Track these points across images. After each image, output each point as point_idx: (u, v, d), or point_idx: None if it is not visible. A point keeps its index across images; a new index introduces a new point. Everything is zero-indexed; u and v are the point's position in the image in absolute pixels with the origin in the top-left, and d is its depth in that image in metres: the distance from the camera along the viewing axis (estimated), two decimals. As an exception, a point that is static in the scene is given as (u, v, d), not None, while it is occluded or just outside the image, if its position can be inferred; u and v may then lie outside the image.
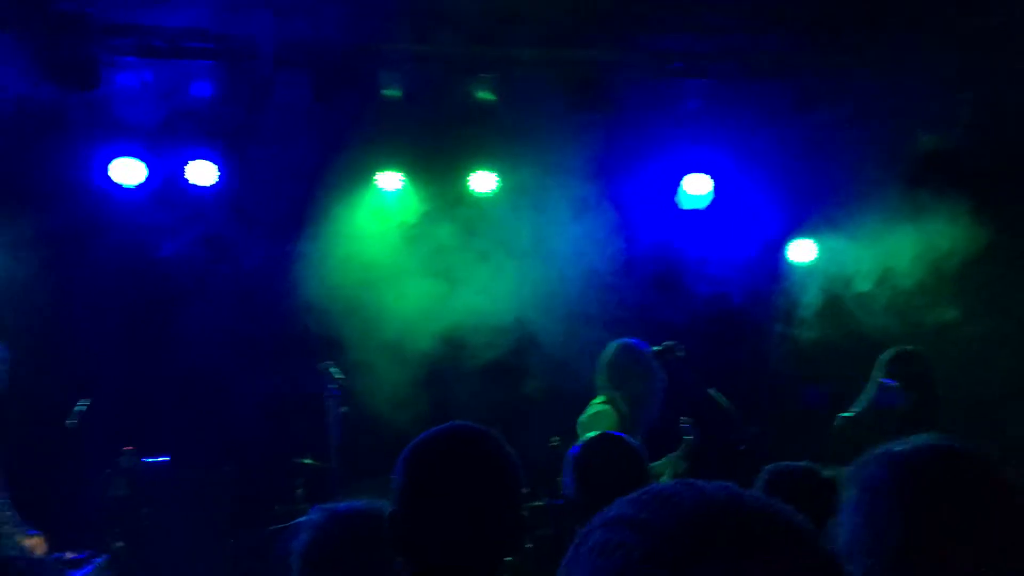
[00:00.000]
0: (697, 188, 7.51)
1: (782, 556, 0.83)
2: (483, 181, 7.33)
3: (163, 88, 6.55)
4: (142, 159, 6.88)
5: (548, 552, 6.18)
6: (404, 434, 5.72)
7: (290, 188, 6.93)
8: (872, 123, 6.58)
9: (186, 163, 6.95)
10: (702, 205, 7.55)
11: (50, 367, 6.57)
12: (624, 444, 2.95)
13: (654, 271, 7.50)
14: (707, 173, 7.47)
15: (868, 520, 1.59)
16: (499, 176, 7.31)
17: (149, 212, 7.01)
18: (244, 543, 6.30)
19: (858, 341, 6.47)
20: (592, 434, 2.99)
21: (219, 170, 6.99)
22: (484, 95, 6.79)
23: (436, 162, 7.23)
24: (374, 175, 7.25)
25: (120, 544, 5.61)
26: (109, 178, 6.82)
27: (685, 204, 7.57)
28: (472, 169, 7.32)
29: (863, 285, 6.93)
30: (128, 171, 6.84)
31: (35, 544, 4.82)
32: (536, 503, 6.60)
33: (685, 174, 7.50)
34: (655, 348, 5.43)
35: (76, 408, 5.77)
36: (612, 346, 5.10)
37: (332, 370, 5.55)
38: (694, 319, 7.15)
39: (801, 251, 7.62)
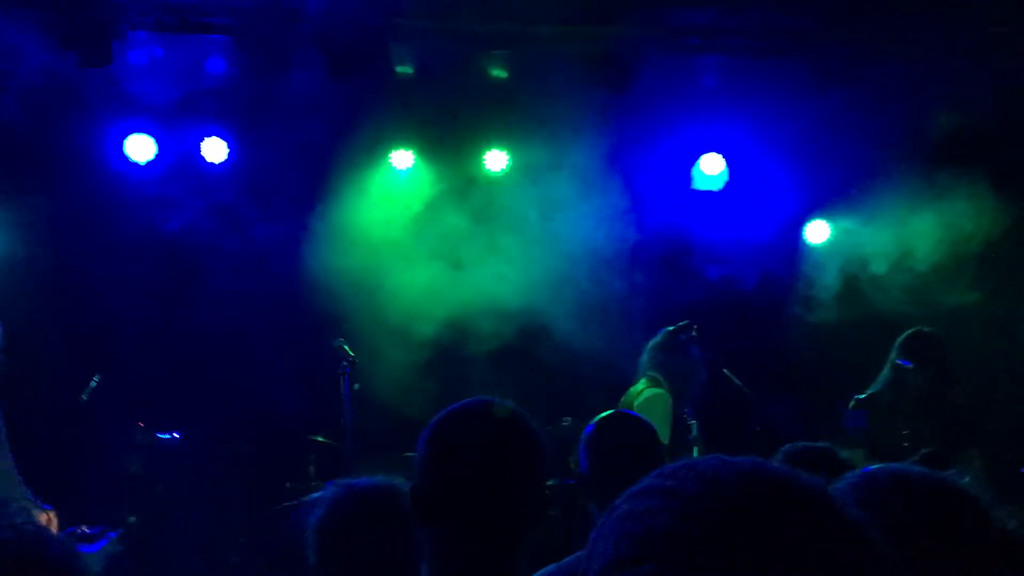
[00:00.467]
0: (712, 168, 7.44)
1: (809, 520, 0.82)
2: (496, 160, 7.29)
3: (176, 64, 6.53)
4: (154, 135, 6.87)
5: (557, 532, 6.19)
6: (413, 413, 5.76)
7: (302, 165, 6.92)
8: (891, 102, 6.49)
9: (198, 140, 6.95)
10: (717, 186, 7.49)
11: (63, 342, 6.59)
12: (638, 422, 2.94)
13: (668, 252, 7.46)
14: (723, 153, 7.40)
15: None
16: (511, 155, 7.26)
17: (161, 188, 7.01)
18: (256, 519, 6.33)
19: (875, 322, 6.42)
20: (606, 413, 2.97)
21: (230, 147, 6.97)
22: (497, 72, 6.74)
23: (448, 140, 7.19)
24: (386, 153, 7.22)
25: (133, 519, 5.64)
26: (122, 154, 6.82)
27: (700, 184, 7.51)
28: (485, 148, 7.28)
29: (881, 266, 6.87)
30: (140, 147, 6.84)
31: (48, 518, 4.84)
32: (548, 482, 6.60)
33: (701, 154, 7.43)
34: (668, 329, 5.41)
35: (89, 384, 5.79)
36: (660, 333, 5.17)
37: (345, 347, 5.55)
38: (708, 300, 7.11)
39: (818, 232, 7.56)
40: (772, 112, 6.98)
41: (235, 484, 6.69)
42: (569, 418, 6.65)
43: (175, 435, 6.31)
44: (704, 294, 7.18)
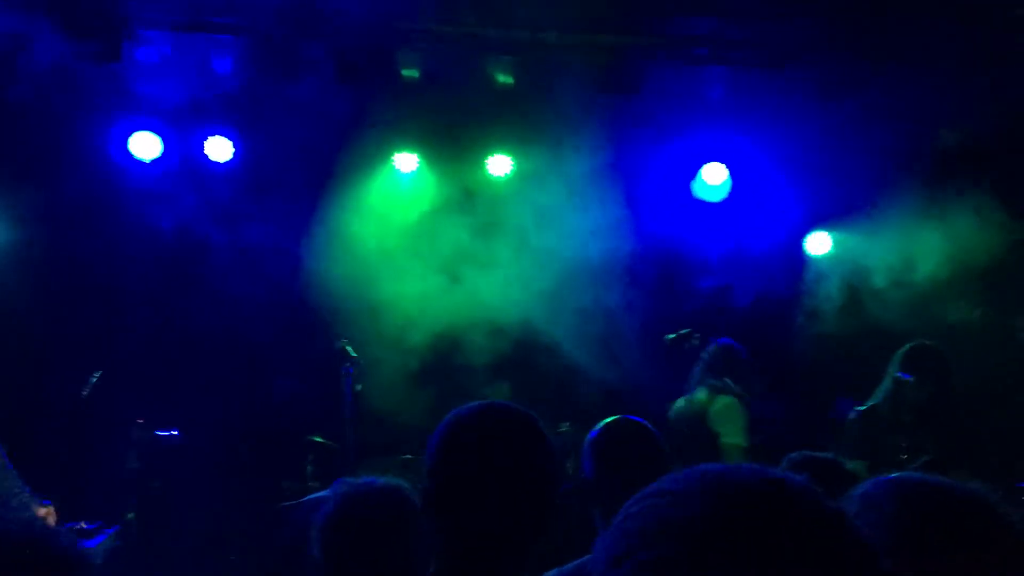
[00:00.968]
0: (715, 178, 7.46)
1: (807, 519, 0.86)
2: (499, 165, 7.30)
3: (183, 63, 6.54)
4: (159, 133, 6.89)
5: (555, 536, 6.19)
6: (410, 418, 5.75)
7: (306, 166, 6.93)
8: (896, 115, 6.50)
9: (203, 138, 6.96)
10: (720, 196, 7.50)
11: (64, 337, 6.60)
12: (643, 428, 2.95)
13: (669, 261, 7.47)
14: (727, 163, 7.42)
15: None
16: (515, 160, 7.28)
17: (166, 186, 7.02)
18: (253, 517, 6.33)
19: (876, 334, 6.43)
20: (611, 418, 2.98)
21: (235, 147, 6.99)
22: (504, 78, 6.76)
23: (453, 145, 7.21)
24: (390, 156, 7.23)
25: (131, 515, 5.64)
26: (126, 151, 6.84)
27: (703, 194, 7.52)
28: (489, 152, 7.29)
29: (882, 279, 6.88)
30: (146, 145, 6.85)
31: (46, 513, 4.84)
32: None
33: (704, 164, 7.44)
34: (670, 336, 5.42)
35: (89, 380, 5.79)
36: (715, 345, 5.43)
37: (348, 348, 5.56)
38: (709, 310, 7.12)
39: (819, 243, 7.57)
40: (776, 123, 6.99)
41: (233, 482, 6.70)
42: (567, 424, 6.66)
43: (173, 432, 6.31)
44: (704, 304, 7.19)
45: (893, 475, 1.65)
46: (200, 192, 7.07)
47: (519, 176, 7.28)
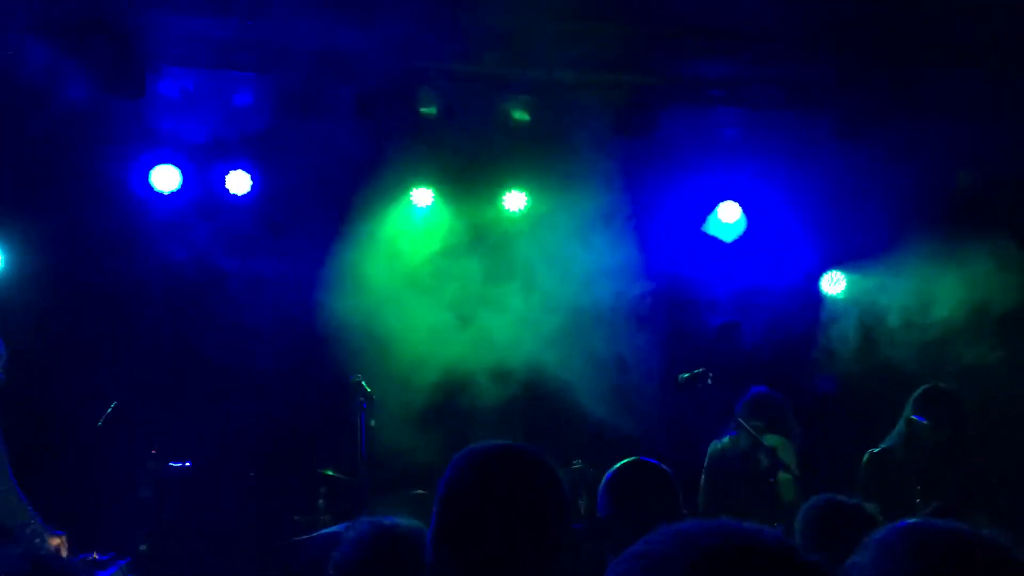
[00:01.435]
0: (730, 217, 7.48)
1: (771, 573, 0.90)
2: (515, 201, 7.35)
3: (205, 97, 6.64)
4: (179, 166, 6.97)
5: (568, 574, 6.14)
6: (421, 453, 5.74)
7: (324, 200, 6.99)
8: (913, 157, 6.52)
9: (223, 172, 7.04)
10: (735, 235, 7.52)
11: (80, 368, 6.64)
12: (658, 469, 2.99)
13: (683, 299, 7.48)
14: (742, 202, 7.44)
15: None
16: (530, 197, 7.32)
17: (184, 218, 7.09)
18: (265, 549, 6.31)
19: (891, 375, 6.40)
20: (626, 460, 3.03)
21: (253, 180, 7.07)
22: (520, 115, 6.83)
23: (469, 180, 7.26)
24: (407, 192, 7.29)
25: (144, 547, 5.64)
26: (147, 183, 6.92)
27: (717, 233, 7.54)
28: (504, 189, 7.34)
29: (898, 320, 6.86)
30: (165, 178, 6.93)
31: (59, 544, 4.86)
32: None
33: (719, 203, 7.47)
34: (683, 376, 5.42)
35: (106, 411, 5.83)
36: (754, 392, 5.84)
37: (362, 383, 5.57)
38: (722, 349, 7.12)
39: (834, 283, 7.56)
40: (792, 164, 7.02)
41: (245, 514, 6.69)
42: (579, 461, 6.64)
43: (186, 464, 6.32)
44: (713, 341, 7.19)
45: (908, 522, 1.65)
46: (218, 225, 7.14)
47: (534, 213, 7.32)
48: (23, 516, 4.86)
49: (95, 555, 5.00)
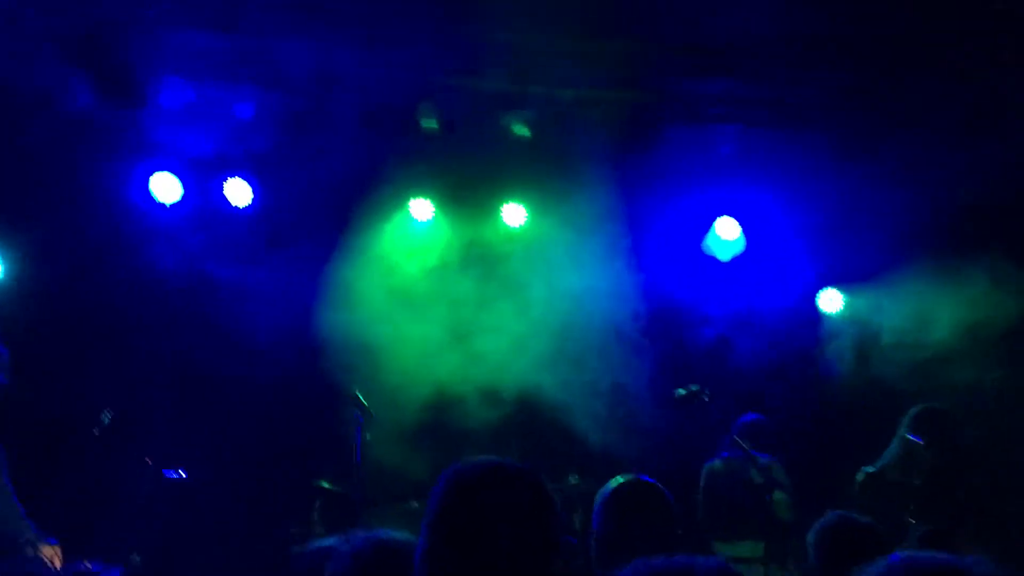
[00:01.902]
0: (728, 233, 7.49)
1: None
2: (514, 214, 7.37)
3: (206, 110, 6.67)
4: (179, 176, 6.98)
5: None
6: (417, 466, 5.73)
7: (324, 213, 7.01)
8: (910, 176, 6.55)
9: (222, 183, 7.05)
10: (733, 252, 7.53)
11: (76, 377, 6.64)
12: (654, 488, 3.01)
13: (680, 316, 7.49)
14: (740, 220, 7.46)
15: None
16: (529, 212, 7.34)
17: (184, 228, 7.10)
18: (259, 562, 6.30)
19: (887, 395, 6.41)
20: (622, 478, 3.05)
21: (254, 191, 7.08)
22: (520, 131, 6.86)
23: (468, 194, 7.28)
24: (407, 205, 7.31)
25: (137, 557, 5.63)
26: (146, 194, 6.93)
27: (715, 250, 7.56)
28: (503, 203, 7.36)
29: (894, 338, 6.87)
30: (165, 188, 6.94)
31: (52, 553, 4.85)
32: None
33: (716, 220, 7.49)
34: (680, 392, 5.44)
35: (101, 420, 5.83)
36: (747, 419, 6.12)
37: (359, 397, 5.58)
38: (718, 366, 7.13)
39: (832, 301, 7.58)
40: (790, 182, 7.05)
41: (239, 525, 6.68)
42: (575, 476, 6.64)
43: (181, 473, 6.32)
44: (714, 360, 7.20)
45: (901, 556, 1.65)
46: (217, 235, 7.15)
47: (533, 227, 7.34)
48: (17, 525, 4.86)
49: (87, 564, 4.99)
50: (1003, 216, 6.79)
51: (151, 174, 6.93)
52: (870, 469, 5.20)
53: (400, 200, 7.26)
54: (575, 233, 6.90)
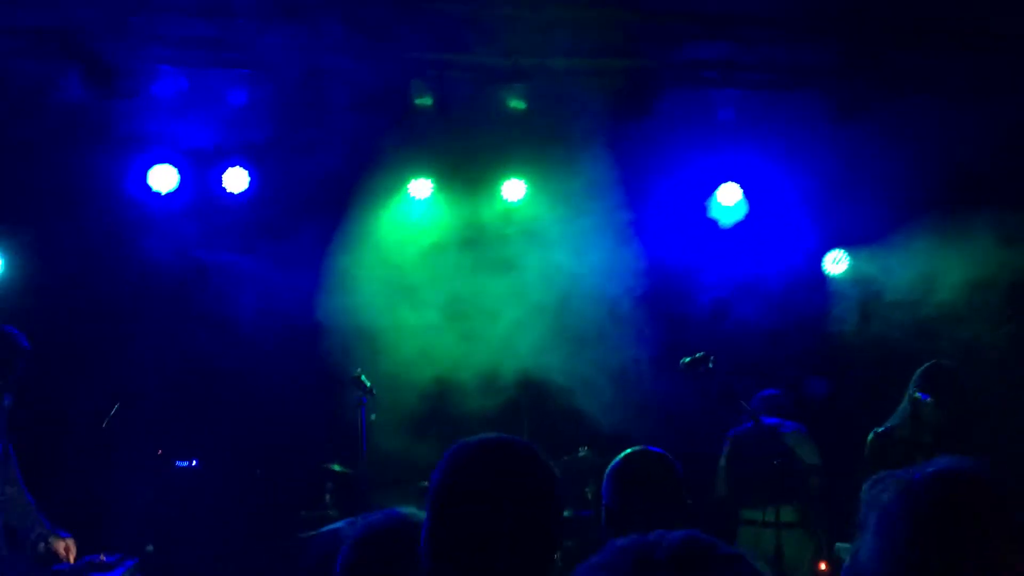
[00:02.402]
0: (730, 199, 7.45)
1: None
2: (513, 189, 7.33)
3: (198, 96, 6.63)
4: (176, 165, 6.96)
5: (571, 563, 6.15)
6: (426, 443, 5.75)
7: (321, 196, 6.98)
8: (911, 135, 6.49)
9: (219, 170, 7.03)
10: (735, 217, 7.49)
11: (83, 370, 6.65)
12: (663, 459, 3.03)
13: (684, 282, 7.46)
14: (741, 184, 7.41)
15: (883, 543, 1.63)
16: (529, 185, 7.31)
17: (182, 218, 7.09)
18: (273, 547, 6.33)
19: (895, 354, 6.39)
20: (632, 448, 3.08)
21: (250, 176, 7.06)
22: (516, 104, 6.80)
23: (467, 171, 7.24)
24: (405, 184, 7.27)
25: (151, 547, 5.66)
26: (143, 183, 6.91)
27: (717, 216, 7.52)
28: (503, 178, 7.33)
29: (901, 298, 6.84)
30: (162, 177, 6.92)
31: (66, 545, 4.87)
32: (563, 514, 6.58)
33: (718, 186, 7.44)
34: (685, 360, 5.42)
35: (110, 412, 5.84)
36: (767, 393, 6.38)
37: (363, 378, 5.58)
38: (724, 331, 7.10)
39: (836, 264, 7.54)
40: (790, 145, 6.99)
41: (252, 512, 6.70)
42: (585, 448, 6.64)
43: (193, 462, 6.34)
44: (719, 325, 7.17)
45: (899, 475, 1.69)
46: (215, 223, 7.13)
47: (533, 201, 7.30)
48: (30, 519, 4.88)
49: (102, 556, 5.02)
50: (1007, 173, 6.73)
51: (147, 164, 6.91)
52: (879, 429, 5.18)
53: (398, 181, 7.22)
54: (575, 205, 6.85)
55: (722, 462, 6.14)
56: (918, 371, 5.17)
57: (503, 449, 1.95)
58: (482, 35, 5.85)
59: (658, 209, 7.37)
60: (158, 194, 6.95)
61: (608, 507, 2.99)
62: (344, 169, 6.77)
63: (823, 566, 5.35)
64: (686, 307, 7.34)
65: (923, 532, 1.58)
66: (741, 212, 7.48)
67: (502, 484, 1.89)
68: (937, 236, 6.64)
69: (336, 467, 6.45)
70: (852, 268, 7.47)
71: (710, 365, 5.24)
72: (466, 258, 7.12)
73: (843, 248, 7.48)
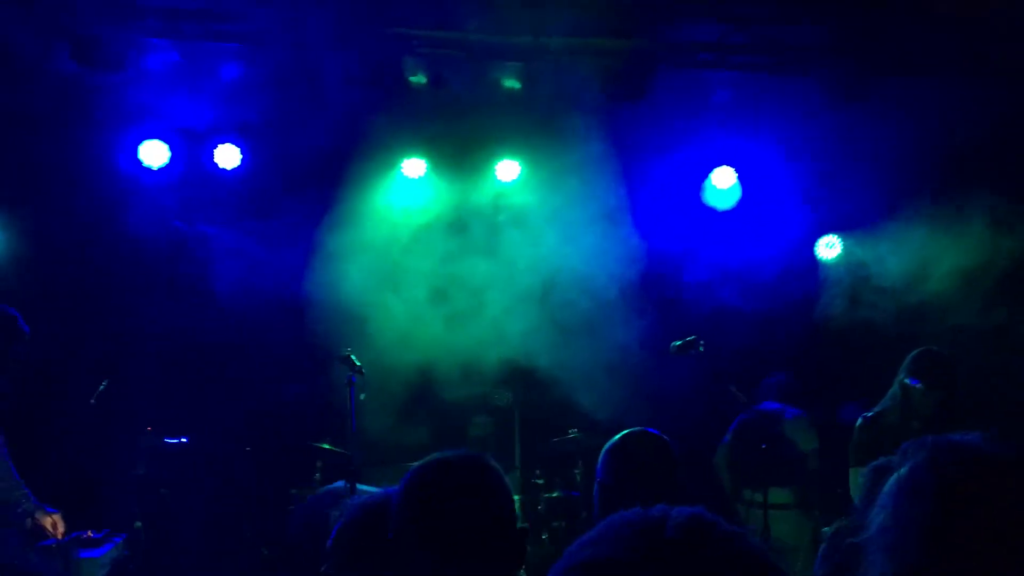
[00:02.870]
0: (724, 182, 7.43)
1: (724, 561, 0.92)
2: (508, 170, 7.30)
3: (190, 70, 6.57)
4: (167, 141, 6.92)
5: (561, 543, 6.18)
6: (416, 424, 5.73)
7: (314, 173, 6.94)
8: (906, 118, 6.47)
9: (210, 146, 6.99)
10: (730, 201, 7.48)
11: (72, 346, 6.62)
12: (660, 439, 3.06)
13: (677, 266, 7.45)
14: (735, 167, 7.39)
15: (898, 510, 1.63)
16: (523, 165, 7.28)
17: (172, 194, 7.05)
18: (261, 524, 6.33)
19: (886, 340, 6.40)
20: (630, 429, 3.11)
21: (242, 153, 7.01)
22: (511, 83, 6.76)
23: (461, 150, 7.21)
24: (398, 163, 7.23)
25: (139, 523, 5.65)
26: (134, 159, 6.87)
27: (711, 199, 7.51)
28: (497, 158, 7.29)
29: (893, 283, 6.85)
30: (153, 153, 6.88)
31: (53, 521, 4.85)
32: (552, 494, 6.60)
33: (712, 168, 7.42)
34: (675, 344, 5.43)
35: (98, 388, 5.82)
36: (777, 377, 6.50)
37: (352, 358, 5.56)
38: (717, 316, 7.10)
39: (829, 248, 7.54)
40: (785, 127, 6.97)
41: (241, 489, 6.70)
42: (575, 430, 6.65)
43: (182, 440, 6.32)
44: (712, 310, 7.17)
45: (916, 445, 1.71)
46: (207, 199, 7.09)
47: (526, 182, 7.28)
48: (16, 495, 4.86)
49: (90, 532, 5.01)
50: (1002, 156, 6.72)
51: (136, 139, 6.86)
52: (868, 414, 5.18)
53: (392, 159, 7.19)
54: (569, 186, 6.83)
55: (725, 441, 6.31)
56: (909, 356, 5.17)
57: (452, 471, 2.07)
58: (476, 13, 5.80)
59: (652, 191, 7.34)
60: (149, 169, 6.90)
61: (603, 483, 3.02)
62: (337, 146, 6.72)
63: None
64: (679, 288, 7.34)
65: (948, 502, 1.58)
66: (735, 196, 7.47)
67: (451, 499, 2.02)
68: (931, 221, 6.63)
69: (326, 445, 6.44)
70: (845, 253, 7.47)
71: (700, 349, 5.24)
72: (458, 238, 7.10)
73: (836, 233, 7.48)
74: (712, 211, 7.53)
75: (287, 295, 6.84)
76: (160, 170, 6.95)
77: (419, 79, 6.65)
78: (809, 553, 5.64)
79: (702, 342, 5.21)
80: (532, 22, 5.99)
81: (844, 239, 7.46)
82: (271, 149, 7.06)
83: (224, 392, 6.82)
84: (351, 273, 6.80)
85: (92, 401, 5.77)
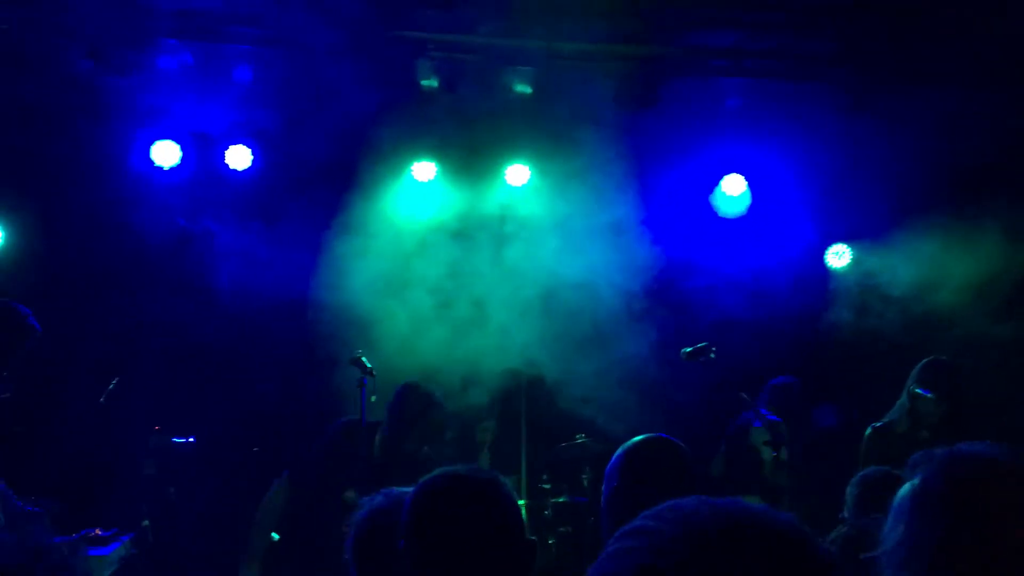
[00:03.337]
0: (734, 189, 7.43)
1: (778, 555, 0.87)
2: (517, 174, 7.30)
3: (202, 72, 6.59)
4: (179, 141, 6.94)
5: (569, 548, 6.17)
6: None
7: (325, 176, 6.95)
8: (919, 128, 6.46)
9: (222, 147, 7.00)
10: (740, 208, 7.47)
11: (81, 345, 6.64)
12: (675, 445, 3.03)
13: (687, 272, 7.44)
14: (746, 175, 7.39)
15: (913, 523, 1.63)
16: (533, 170, 7.28)
17: (183, 194, 7.07)
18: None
19: (896, 349, 6.39)
20: (645, 435, 3.08)
21: (253, 154, 7.03)
22: (522, 88, 6.77)
23: (471, 154, 7.21)
24: (408, 167, 7.24)
25: (147, 522, 5.66)
26: (146, 159, 6.89)
27: (722, 206, 7.50)
28: (507, 162, 7.29)
29: (902, 292, 6.83)
30: (164, 153, 6.90)
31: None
32: (559, 499, 6.59)
33: (723, 176, 7.42)
34: (686, 349, 5.41)
35: (108, 387, 5.83)
36: (781, 382, 6.59)
37: (363, 360, 5.56)
38: (727, 323, 7.09)
39: (839, 257, 7.53)
40: (796, 135, 6.97)
41: (249, 489, 6.70)
42: (583, 435, 6.64)
43: (190, 439, 6.33)
44: (722, 317, 7.16)
45: (930, 456, 1.71)
46: (218, 200, 7.11)
47: (537, 186, 7.28)
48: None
49: (97, 531, 5.01)
50: (1013, 167, 6.70)
51: (147, 139, 6.88)
52: (877, 424, 5.18)
53: (402, 162, 7.19)
54: (579, 192, 6.83)
55: (721, 447, 6.42)
56: (918, 366, 5.17)
57: (460, 485, 2.10)
58: (489, 17, 5.81)
59: (662, 198, 7.34)
60: (159, 169, 6.93)
61: (616, 487, 2.97)
62: (348, 149, 6.74)
63: None
64: (688, 295, 7.33)
65: (955, 513, 1.58)
66: (745, 203, 7.46)
67: (459, 518, 2.05)
68: (941, 231, 6.62)
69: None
70: (855, 262, 7.45)
71: (712, 355, 5.23)
72: (466, 244, 7.09)
73: (846, 242, 7.47)
74: (722, 219, 7.52)
75: (296, 297, 6.85)
76: (171, 170, 6.97)
77: (431, 83, 6.67)
78: None
79: (714, 348, 5.19)
80: (545, 27, 6.00)
81: (854, 248, 7.45)
82: (282, 151, 7.07)
83: (234, 392, 6.83)
84: (363, 275, 6.80)
85: (102, 400, 5.78)
